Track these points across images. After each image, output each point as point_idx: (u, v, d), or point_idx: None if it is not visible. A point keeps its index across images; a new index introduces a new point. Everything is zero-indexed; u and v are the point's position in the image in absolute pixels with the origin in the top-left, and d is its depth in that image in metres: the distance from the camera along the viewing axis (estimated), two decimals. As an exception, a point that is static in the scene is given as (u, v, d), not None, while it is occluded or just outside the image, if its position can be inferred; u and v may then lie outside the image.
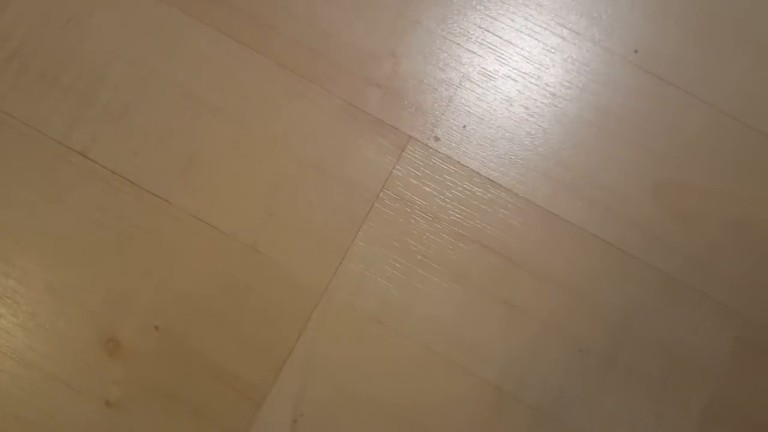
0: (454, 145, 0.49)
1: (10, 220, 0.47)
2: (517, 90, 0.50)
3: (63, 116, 0.49)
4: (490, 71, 0.50)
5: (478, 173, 0.49)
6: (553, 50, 0.51)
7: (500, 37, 0.51)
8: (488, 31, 0.51)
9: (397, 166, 0.49)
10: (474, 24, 0.51)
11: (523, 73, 0.50)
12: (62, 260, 0.47)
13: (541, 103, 0.50)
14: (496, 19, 0.51)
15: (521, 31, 0.51)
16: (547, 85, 0.50)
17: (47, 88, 0.49)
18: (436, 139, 0.49)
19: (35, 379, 0.45)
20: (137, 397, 0.45)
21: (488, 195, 0.49)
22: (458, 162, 0.49)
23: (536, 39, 0.51)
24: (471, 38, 0.51)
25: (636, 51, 0.51)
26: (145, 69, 0.50)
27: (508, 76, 0.50)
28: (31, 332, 0.46)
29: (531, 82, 0.50)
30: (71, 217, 0.47)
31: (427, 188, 0.49)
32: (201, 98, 0.50)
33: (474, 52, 0.50)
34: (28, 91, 0.49)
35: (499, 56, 0.50)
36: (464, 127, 0.50)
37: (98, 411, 0.45)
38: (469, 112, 0.50)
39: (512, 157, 0.49)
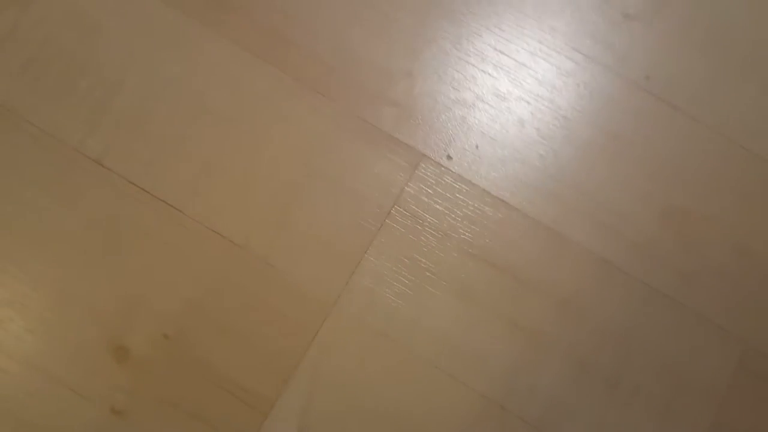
0: (466, 164, 0.50)
1: (23, 224, 0.47)
2: (530, 112, 0.51)
3: (79, 123, 0.49)
4: (504, 93, 0.51)
5: (488, 193, 0.50)
6: (566, 74, 0.52)
7: (515, 60, 0.51)
8: (503, 53, 0.51)
9: (409, 183, 0.50)
10: (489, 46, 0.52)
11: (536, 95, 0.51)
12: (74, 266, 0.47)
13: (553, 125, 0.51)
14: (511, 42, 0.52)
15: (536, 54, 0.52)
16: (559, 108, 0.51)
17: (64, 94, 0.49)
18: (449, 157, 0.50)
19: (42, 384, 0.46)
20: (144, 405, 0.46)
21: (498, 215, 0.50)
22: (470, 181, 0.50)
23: (550, 63, 0.52)
24: (486, 60, 0.51)
25: (647, 77, 0.52)
26: (161, 77, 0.50)
27: (522, 98, 0.51)
28: (41, 337, 0.46)
29: (544, 105, 0.51)
30: (84, 223, 0.48)
31: (438, 206, 0.49)
32: (216, 109, 0.50)
33: (488, 74, 0.51)
34: (45, 97, 0.49)
35: (513, 78, 0.51)
36: (477, 146, 0.50)
37: (104, 418, 0.45)
38: (482, 132, 0.51)
39: (523, 177, 0.50)
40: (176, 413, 0.46)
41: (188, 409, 0.46)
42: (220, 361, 0.46)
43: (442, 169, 0.50)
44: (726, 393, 0.48)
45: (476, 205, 0.50)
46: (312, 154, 0.50)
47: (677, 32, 0.53)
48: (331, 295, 0.48)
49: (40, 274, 0.47)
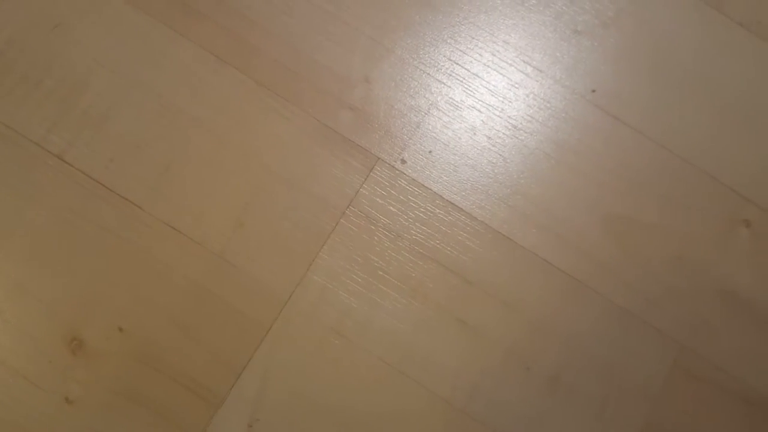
0: (419, 168, 0.52)
1: (-17, 216, 0.48)
2: (481, 120, 0.53)
3: (43, 119, 0.50)
4: (457, 101, 0.53)
5: (440, 196, 0.52)
6: (516, 85, 0.54)
7: (468, 70, 0.54)
8: (457, 63, 0.54)
9: (364, 185, 0.51)
10: (444, 56, 0.54)
11: (487, 105, 0.54)
12: (32, 259, 0.48)
13: (503, 134, 0.53)
14: (465, 53, 0.54)
15: (488, 66, 0.54)
16: (509, 117, 0.54)
17: (29, 91, 0.51)
18: (403, 161, 0.52)
19: (-3, 374, 0.46)
20: (97, 396, 0.47)
21: (449, 217, 0.52)
22: (422, 185, 0.52)
23: (502, 74, 0.54)
24: (441, 69, 0.54)
25: (593, 90, 0.55)
26: (126, 78, 0.52)
27: (474, 107, 0.53)
28: (-4, 327, 0.47)
29: (495, 114, 0.53)
30: (44, 217, 0.49)
31: (391, 208, 0.51)
32: (179, 109, 0.51)
33: (443, 83, 0.54)
34: (10, 93, 0.50)
35: (466, 88, 0.54)
36: (430, 152, 0.52)
37: (58, 407, 0.46)
38: (435, 138, 0.53)
39: (473, 183, 0.52)
40: (129, 405, 0.47)
41: (141, 400, 0.47)
42: (174, 354, 0.48)
43: (396, 172, 0.52)
44: (660, 393, 0.51)
45: (428, 208, 0.52)
46: (271, 155, 0.51)
47: (623, 49, 0.56)
48: (285, 291, 0.50)
49: (0, 266, 0.48)
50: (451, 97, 0.53)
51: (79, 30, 0.52)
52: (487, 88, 0.54)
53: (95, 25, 0.52)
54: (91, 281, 0.48)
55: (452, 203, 0.52)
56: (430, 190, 0.52)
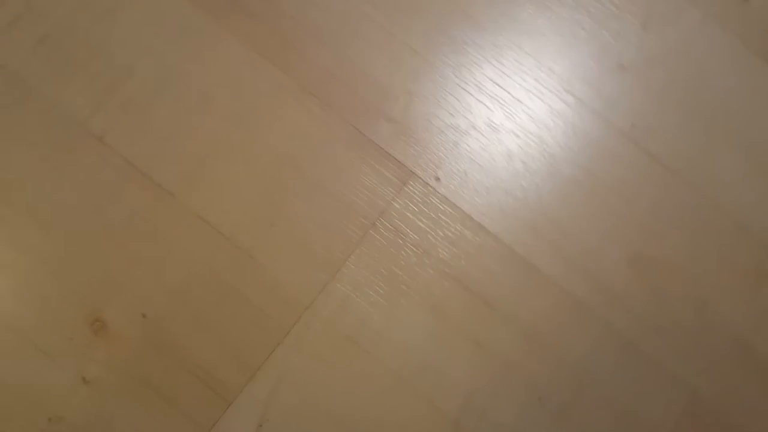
0: (452, 187, 0.52)
1: (18, 189, 0.49)
2: (519, 146, 0.53)
3: (86, 101, 0.51)
4: (497, 124, 0.53)
5: (471, 217, 0.52)
6: (557, 114, 0.54)
7: (510, 94, 0.54)
8: (500, 86, 0.54)
9: (396, 199, 0.52)
10: (488, 77, 0.54)
11: (526, 130, 0.54)
12: (63, 236, 0.49)
13: (539, 161, 0.53)
14: (509, 77, 0.54)
15: (530, 92, 0.54)
16: (547, 145, 0.54)
17: (75, 73, 0.51)
18: (437, 179, 0.52)
19: (18, 345, 0.47)
20: (113, 379, 0.47)
21: (477, 239, 0.52)
22: (454, 204, 0.52)
23: (543, 101, 0.54)
24: (483, 90, 0.54)
25: (633, 126, 0.55)
26: (170, 69, 0.52)
27: (513, 132, 0.53)
28: (22, 300, 0.48)
29: (532, 141, 0.54)
30: (78, 196, 0.49)
31: (421, 224, 0.52)
32: (220, 105, 0.52)
33: (484, 104, 0.54)
34: (56, 73, 0.51)
35: (507, 112, 0.54)
36: (465, 172, 0.53)
37: (74, 386, 0.47)
38: (471, 159, 0.53)
39: (504, 207, 0.52)
40: (143, 390, 0.47)
41: (155, 387, 0.47)
42: (193, 346, 0.48)
43: (430, 189, 0.52)
44: (670, 435, 0.51)
45: (457, 228, 0.52)
46: (307, 158, 0.52)
47: (666, 88, 0.55)
48: (308, 295, 0.50)
49: (32, 241, 0.48)
50: (491, 120, 0.54)
51: (128, 16, 0.53)
52: (527, 113, 0.54)
53: (144, 13, 0.53)
54: (119, 265, 0.49)
55: (482, 225, 0.52)
56: (462, 210, 0.52)
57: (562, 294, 0.52)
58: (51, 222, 0.49)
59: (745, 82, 0.56)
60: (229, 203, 0.50)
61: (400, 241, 0.51)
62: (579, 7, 0.56)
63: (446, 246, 0.51)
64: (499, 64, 0.54)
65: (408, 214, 0.52)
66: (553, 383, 0.50)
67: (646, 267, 0.53)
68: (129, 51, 0.52)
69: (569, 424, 0.50)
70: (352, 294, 0.50)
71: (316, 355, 0.49)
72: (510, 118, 0.54)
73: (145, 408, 0.47)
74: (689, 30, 0.57)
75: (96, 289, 0.48)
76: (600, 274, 0.52)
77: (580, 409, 0.50)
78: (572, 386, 0.50)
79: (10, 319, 0.47)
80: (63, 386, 0.47)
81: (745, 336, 0.52)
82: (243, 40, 0.53)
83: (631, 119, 0.55)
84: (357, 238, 0.51)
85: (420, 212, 0.52)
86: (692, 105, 0.55)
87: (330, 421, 0.48)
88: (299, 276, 0.50)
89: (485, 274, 0.51)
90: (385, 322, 0.50)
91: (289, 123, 0.52)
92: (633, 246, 0.53)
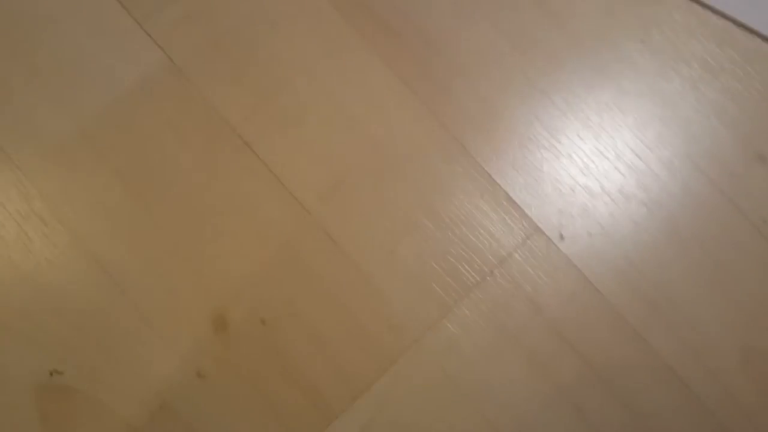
0: (576, 248, 0.52)
1: (173, 187, 0.52)
2: (647, 219, 0.53)
3: (241, 108, 0.53)
4: (629, 194, 0.53)
5: (589, 282, 0.52)
6: (691, 194, 0.54)
7: (648, 166, 0.54)
8: (639, 157, 0.54)
9: (518, 250, 0.52)
10: (627, 145, 0.54)
11: (659, 205, 0.53)
12: (204, 233, 0.51)
13: (666, 238, 0.53)
14: (650, 149, 0.54)
15: (668, 168, 0.54)
16: (677, 224, 0.53)
17: (236, 78, 0.54)
18: (562, 237, 0.53)
19: (142, 333, 0.49)
20: (226, 378, 0.49)
21: (592, 304, 0.52)
22: (575, 265, 0.52)
23: (679, 179, 0.54)
24: (622, 158, 0.54)
25: (765, 221, 0.54)
26: (320, 89, 0.54)
27: (644, 203, 0.53)
28: (152, 287, 0.50)
29: (662, 216, 0.53)
30: (222, 198, 0.52)
31: (539, 280, 0.52)
32: (362, 129, 0.53)
33: (620, 171, 0.54)
34: (219, 77, 0.54)
35: (642, 184, 0.54)
36: (590, 234, 0.53)
37: (188, 378, 0.48)
38: (598, 223, 0.53)
39: (624, 277, 0.52)
40: (251, 393, 0.49)
41: (263, 392, 0.49)
42: (304, 359, 0.49)
43: (552, 246, 0.52)
44: None
45: (575, 290, 0.52)
46: (438, 197, 0.53)
47: (806, 185, 0.54)
48: (417, 330, 0.51)
49: (175, 233, 0.51)
50: (624, 188, 0.53)
51: (290, 30, 0.55)
52: (663, 189, 0.53)
53: (305, 29, 0.55)
54: (251, 269, 0.50)
55: (599, 291, 0.52)
56: (582, 273, 0.52)
57: (669, 373, 0.51)
58: (195, 218, 0.51)
59: None
60: (359, 226, 0.52)
61: (516, 293, 0.52)
62: (725, 91, 0.56)
63: (560, 306, 0.52)
64: (641, 134, 0.54)
65: (528, 268, 0.52)
66: (650, 465, 0.50)
67: (758, 362, 0.52)
68: (286, 65, 0.54)
69: None
70: (460, 337, 0.51)
71: (417, 389, 0.50)
72: (644, 189, 0.53)
73: (249, 411, 0.49)
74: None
75: (225, 287, 0.50)
76: (710, 361, 0.51)
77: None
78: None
79: (138, 302, 0.50)
80: (177, 377, 0.49)
81: None
82: (396, 73, 0.54)
83: (765, 214, 0.54)
84: (473, 282, 0.52)
85: (539, 267, 0.52)
86: (832, 207, 0.54)
87: (419, 457, 0.49)
88: (412, 308, 0.51)
89: (595, 341, 0.51)
90: (487, 369, 0.50)
91: (426, 160, 0.53)
92: (747, 339, 0.52)
